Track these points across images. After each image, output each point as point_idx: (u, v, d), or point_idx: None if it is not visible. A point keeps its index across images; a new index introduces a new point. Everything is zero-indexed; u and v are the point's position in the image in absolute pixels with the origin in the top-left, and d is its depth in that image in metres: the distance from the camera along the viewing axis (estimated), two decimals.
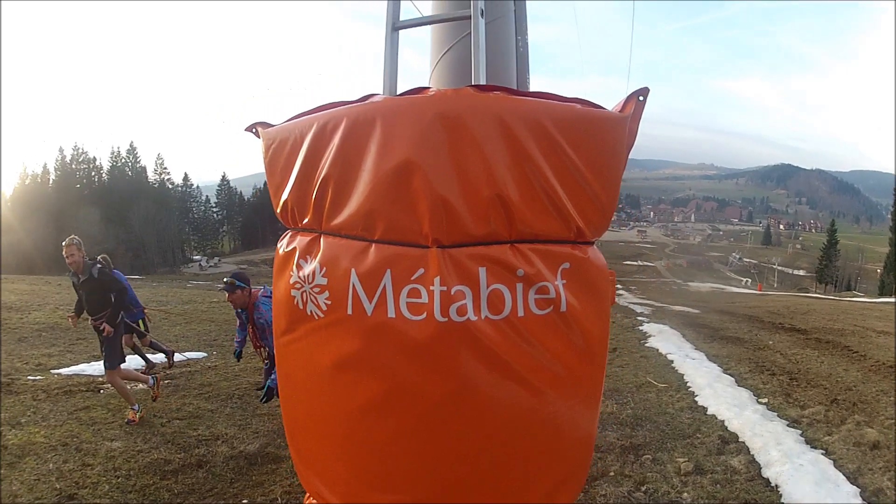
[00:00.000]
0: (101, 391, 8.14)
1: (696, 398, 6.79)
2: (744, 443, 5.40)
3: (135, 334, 9.41)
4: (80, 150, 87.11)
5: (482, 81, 2.35)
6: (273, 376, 6.01)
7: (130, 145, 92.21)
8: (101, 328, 6.95)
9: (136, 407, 6.93)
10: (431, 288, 1.74)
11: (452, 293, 1.74)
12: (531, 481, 2.08)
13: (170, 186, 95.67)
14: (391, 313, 1.79)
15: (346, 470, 2.17)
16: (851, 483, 4.47)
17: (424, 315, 1.77)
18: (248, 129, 2.50)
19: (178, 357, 9.64)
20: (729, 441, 5.42)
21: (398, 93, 1.99)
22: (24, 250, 61.65)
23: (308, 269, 1.99)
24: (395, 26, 2.95)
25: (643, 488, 4.38)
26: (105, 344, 6.98)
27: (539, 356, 1.86)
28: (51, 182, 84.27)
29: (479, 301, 1.76)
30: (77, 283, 7.10)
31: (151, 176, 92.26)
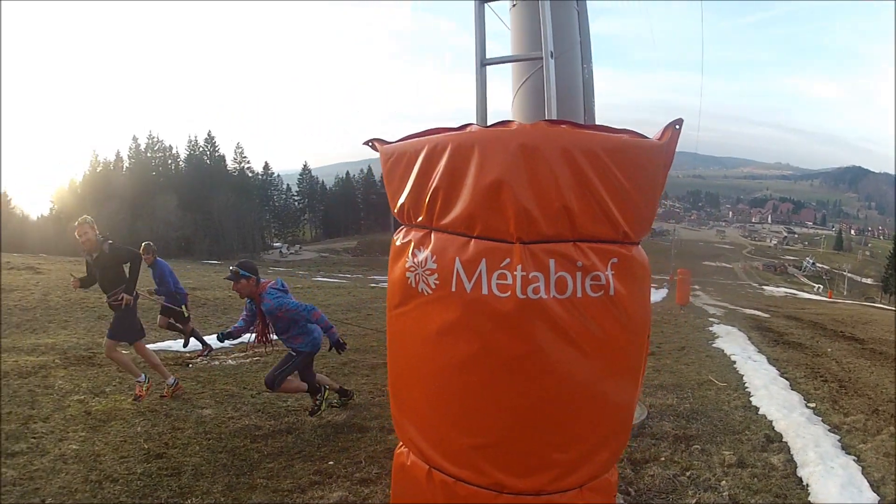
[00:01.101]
0: (190, 365, 8.86)
1: (751, 398, 7.25)
2: (786, 442, 5.82)
3: (173, 318, 10.15)
4: (156, 139, 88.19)
5: (553, 115, 3.01)
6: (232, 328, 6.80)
7: (208, 134, 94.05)
8: (119, 300, 7.35)
9: (141, 378, 7.42)
10: (514, 273, 2.39)
11: (529, 277, 2.38)
12: (579, 434, 2.66)
13: (249, 175, 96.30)
14: (484, 291, 2.45)
15: (437, 416, 2.80)
16: (873, 490, 4.89)
17: (509, 293, 2.41)
18: (367, 143, 3.12)
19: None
20: (773, 440, 5.84)
21: (489, 124, 2.56)
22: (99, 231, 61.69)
23: (421, 256, 2.63)
24: (483, 62, 3.66)
25: (687, 473, 4.88)
26: (117, 315, 7.38)
27: (592, 329, 2.46)
28: (124, 169, 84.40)
29: (549, 284, 2.40)
30: (91, 262, 7.41)
31: (230, 164, 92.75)
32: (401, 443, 3.14)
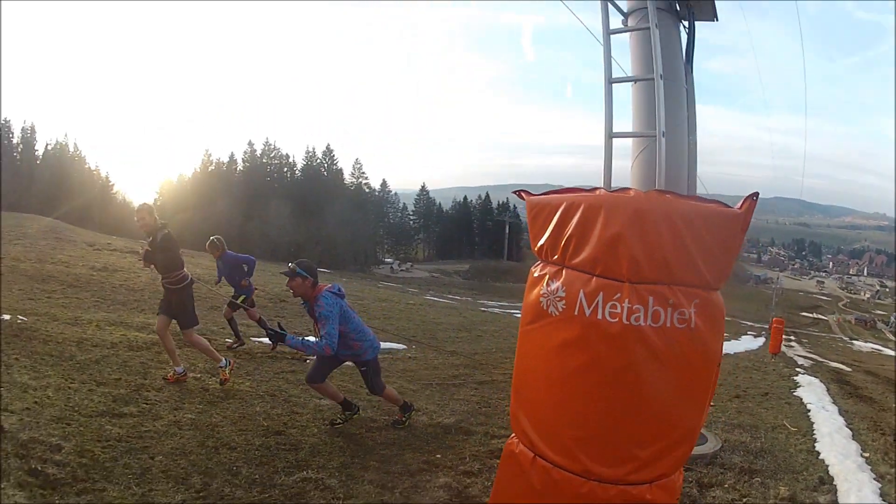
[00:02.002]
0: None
1: (816, 444, 7.76)
2: (836, 485, 6.31)
3: (231, 306, 10.53)
4: (272, 146, 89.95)
5: (662, 185, 3.86)
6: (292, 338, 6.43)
7: (327, 147, 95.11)
8: (170, 287, 7.90)
9: (222, 362, 8.01)
10: (623, 304, 3.22)
11: (633, 309, 3.21)
12: (655, 435, 3.42)
13: (366, 190, 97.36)
14: (599, 316, 3.28)
15: (548, 412, 3.64)
16: None
17: (617, 319, 3.24)
18: (515, 192, 4.00)
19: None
20: (825, 482, 6.34)
21: (612, 189, 3.39)
22: (202, 230, 62.61)
23: (553, 286, 3.49)
24: (610, 135, 4.58)
25: (744, 500, 5.44)
26: (175, 303, 7.97)
27: (675, 353, 3.26)
28: (237, 171, 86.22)
29: (647, 315, 3.21)
30: (148, 244, 7.90)
31: (348, 178, 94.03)
32: (513, 434, 3.94)
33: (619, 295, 3.27)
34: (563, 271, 3.50)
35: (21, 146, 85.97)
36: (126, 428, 5.81)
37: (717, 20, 6.12)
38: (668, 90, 5.14)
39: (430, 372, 9.99)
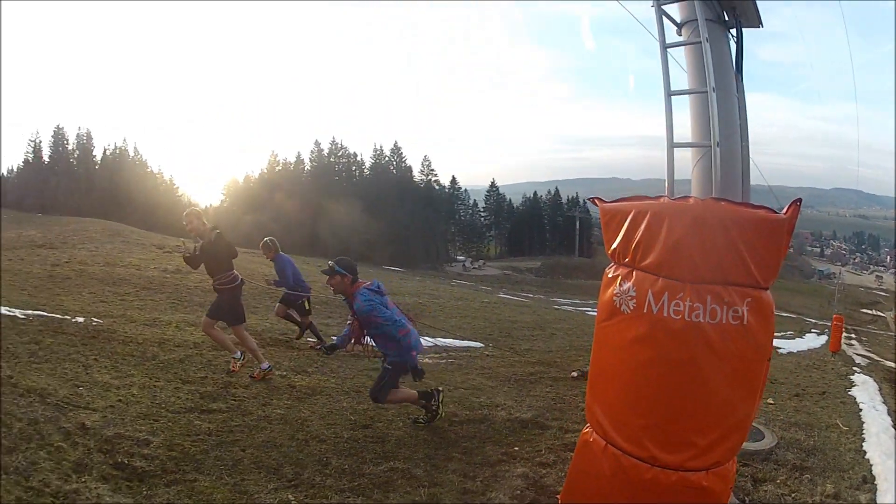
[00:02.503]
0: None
1: (864, 444, 7.85)
2: (876, 485, 6.46)
3: (294, 310, 10.89)
4: (339, 145, 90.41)
5: (717, 192, 4.26)
6: (338, 340, 6.93)
7: (395, 145, 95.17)
8: (220, 288, 8.25)
9: (237, 355, 8.41)
10: (685, 303, 3.66)
11: (693, 307, 3.64)
12: (711, 424, 3.83)
13: (436, 188, 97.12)
14: (665, 314, 3.73)
15: (620, 402, 4.08)
16: None
17: (680, 316, 3.68)
18: (590, 199, 4.56)
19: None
20: (868, 481, 6.48)
21: (674, 197, 3.95)
22: (271, 230, 62.95)
23: (625, 286, 3.95)
24: (672, 145, 4.99)
25: (792, 495, 5.70)
26: (219, 298, 8.34)
27: (730, 347, 3.67)
28: (305, 171, 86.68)
29: (706, 313, 3.63)
30: (198, 247, 8.21)
31: (417, 176, 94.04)
32: (588, 424, 4.39)
33: (681, 294, 3.69)
34: (634, 273, 3.94)
35: (77, 152, 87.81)
36: (216, 423, 6.29)
37: (762, 26, 6.37)
38: (721, 101, 5.51)
39: (507, 369, 10.32)
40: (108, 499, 4.56)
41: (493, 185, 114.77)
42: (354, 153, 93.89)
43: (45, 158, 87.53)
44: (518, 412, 7.45)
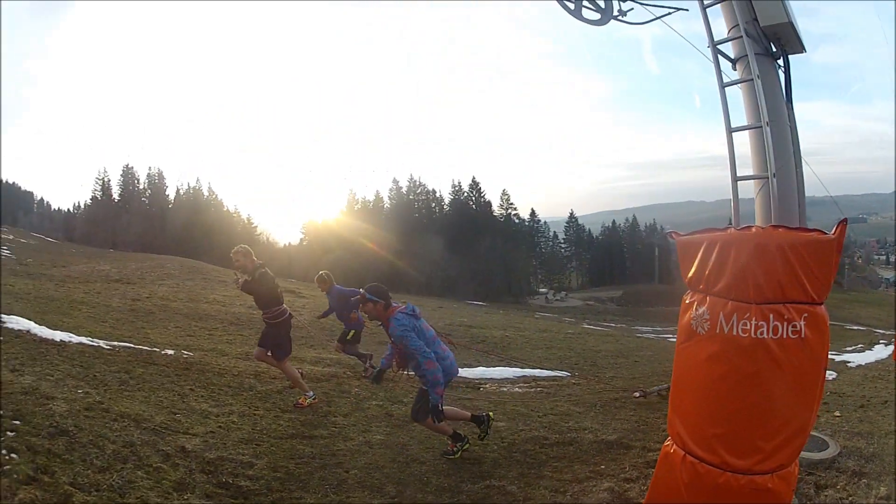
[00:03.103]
0: (480, 388, 10.43)
1: None
2: None
3: (341, 342, 11.14)
4: (417, 182, 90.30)
5: (775, 221, 4.97)
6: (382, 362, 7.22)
7: (473, 180, 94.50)
8: (267, 321, 8.67)
9: (310, 394, 8.66)
10: (751, 322, 4.13)
11: (758, 325, 4.12)
12: (775, 430, 4.25)
13: (516, 221, 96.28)
14: (734, 333, 4.21)
15: (697, 414, 4.57)
16: None
17: (747, 334, 4.15)
18: (667, 233, 5.23)
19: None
20: None
21: (739, 227, 4.46)
22: (352, 268, 62.98)
23: (700, 310, 4.47)
24: (735, 179, 5.42)
25: (850, 499, 5.91)
26: (267, 330, 8.75)
27: (790, 360, 4.14)
28: (385, 209, 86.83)
29: (769, 329, 4.10)
30: (241, 282, 8.63)
31: (497, 210, 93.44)
32: (669, 437, 4.88)
33: (748, 314, 4.16)
34: (707, 298, 4.45)
35: (149, 191, 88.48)
36: (318, 448, 6.83)
37: (804, 51, 6.80)
38: (776, 134, 6.01)
39: (592, 395, 10.66)
40: None
41: (571, 215, 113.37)
42: (433, 190, 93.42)
43: (115, 196, 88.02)
44: (604, 434, 7.79)
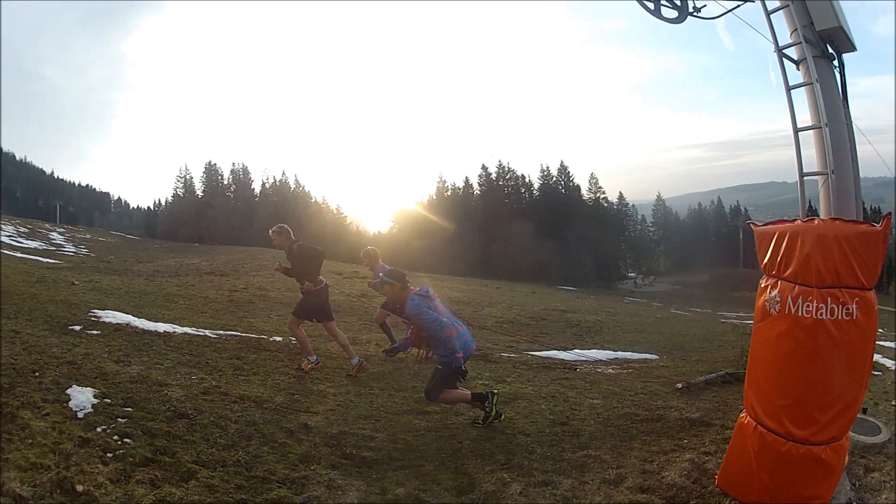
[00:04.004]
0: (577, 369, 10.83)
1: None
2: None
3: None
4: (506, 168, 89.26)
5: (833, 214, 5.85)
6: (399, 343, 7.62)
7: (561, 164, 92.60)
8: (303, 286, 9.08)
9: (312, 358, 9.10)
10: (813, 304, 4.66)
11: (818, 307, 4.65)
12: (830, 403, 4.78)
13: (605, 205, 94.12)
14: (800, 314, 4.74)
15: (768, 387, 5.13)
16: None
17: (810, 315, 4.68)
18: (746, 223, 5.95)
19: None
20: None
21: (804, 219, 4.97)
22: (443, 255, 65.24)
23: (773, 293, 4.99)
24: (802, 175, 5.98)
25: (892, 482, 6.07)
26: (303, 299, 9.19)
27: (844, 339, 4.66)
28: (474, 196, 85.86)
29: (826, 311, 4.63)
30: (287, 258, 9.33)
31: (585, 194, 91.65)
32: (744, 410, 5.42)
33: (811, 297, 4.68)
34: (778, 282, 4.96)
35: (234, 186, 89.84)
36: (433, 422, 7.36)
37: (855, 50, 7.01)
38: (834, 133, 6.40)
39: (680, 375, 10.97)
40: (340, 481, 5.49)
41: (658, 198, 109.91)
42: (522, 175, 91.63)
43: (199, 193, 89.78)
44: (688, 413, 8.16)
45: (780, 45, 6.85)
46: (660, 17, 7.50)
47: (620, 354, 12.93)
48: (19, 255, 32.05)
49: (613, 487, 5.72)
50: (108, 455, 5.30)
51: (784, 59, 6.88)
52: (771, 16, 6.94)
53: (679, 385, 9.74)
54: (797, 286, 4.72)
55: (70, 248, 47.69)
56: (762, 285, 5.08)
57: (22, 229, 53.56)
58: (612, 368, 11.56)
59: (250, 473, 5.43)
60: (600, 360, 12.07)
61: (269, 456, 5.86)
